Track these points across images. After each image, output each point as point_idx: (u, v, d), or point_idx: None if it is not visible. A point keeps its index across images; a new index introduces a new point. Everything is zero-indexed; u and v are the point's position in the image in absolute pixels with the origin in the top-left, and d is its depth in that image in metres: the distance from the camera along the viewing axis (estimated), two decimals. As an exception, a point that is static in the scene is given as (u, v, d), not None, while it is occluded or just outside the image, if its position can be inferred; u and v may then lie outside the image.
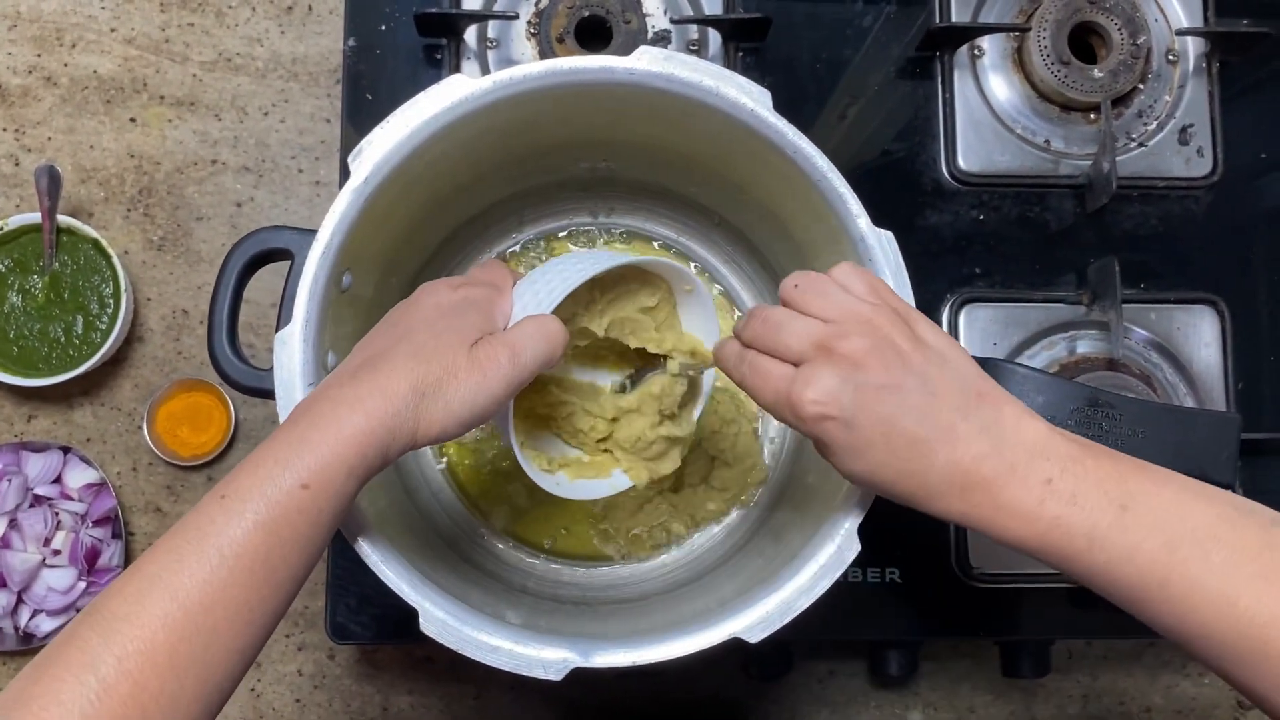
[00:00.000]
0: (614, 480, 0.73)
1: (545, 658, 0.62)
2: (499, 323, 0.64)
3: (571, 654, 0.62)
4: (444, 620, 0.62)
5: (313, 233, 0.65)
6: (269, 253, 0.67)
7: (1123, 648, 1.00)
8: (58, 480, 0.95)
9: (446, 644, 0.61)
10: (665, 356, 0.73)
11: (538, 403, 0.73)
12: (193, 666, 0.50)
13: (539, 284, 0.65)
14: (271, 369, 0.64)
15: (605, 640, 0.63)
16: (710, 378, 0.76)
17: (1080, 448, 0.56)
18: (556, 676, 0.61)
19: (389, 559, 0.63)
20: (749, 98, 0.67)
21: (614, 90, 0.68)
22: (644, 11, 0.91)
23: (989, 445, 0.55)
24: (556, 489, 0.71)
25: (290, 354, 0.63)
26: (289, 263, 0.67)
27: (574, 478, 0.73)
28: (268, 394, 0.64)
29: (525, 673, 0.61)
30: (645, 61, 0.66)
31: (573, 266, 0.66)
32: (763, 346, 0.60)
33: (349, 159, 0.65)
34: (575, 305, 0.70)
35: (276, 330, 0.64)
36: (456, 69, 0.90)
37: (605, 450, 0.74)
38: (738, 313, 0.90)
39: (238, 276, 0.66)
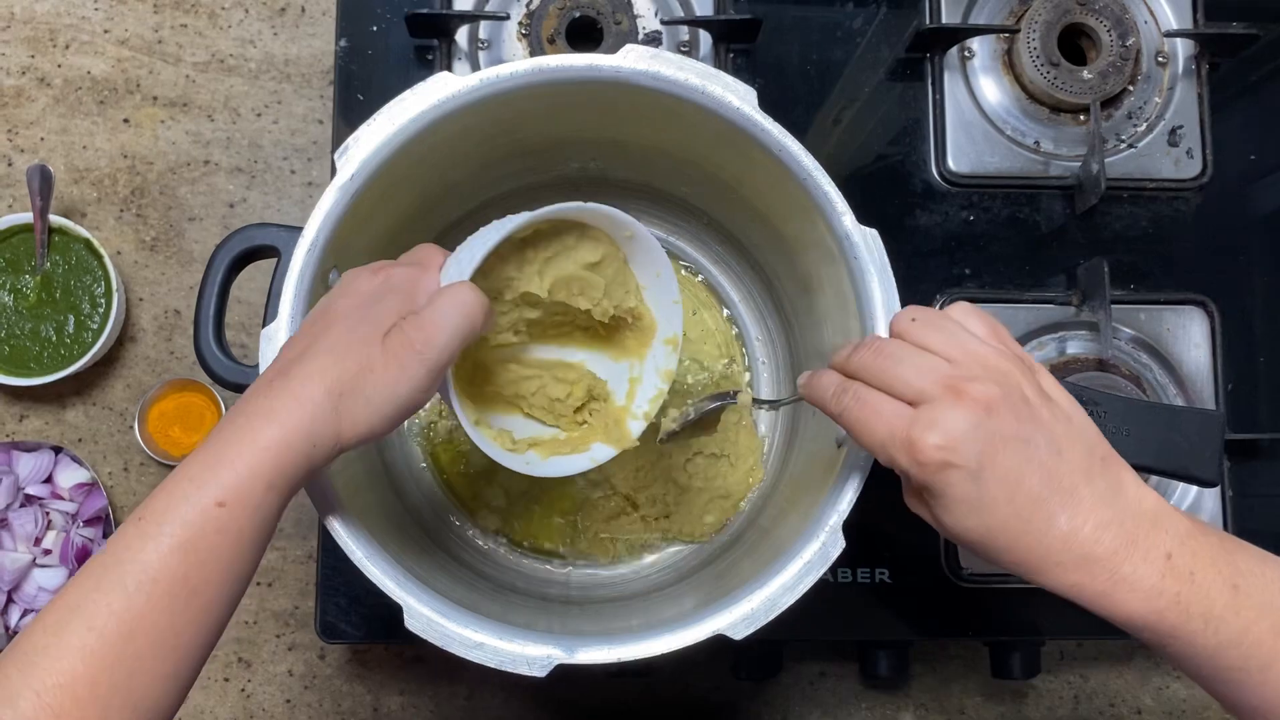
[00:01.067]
0: (594, 453, 0.70)
1: (530, 654, 0.61)
2: (420, 303, 0.59)
3: (556, 650, 0.62)
4: (429, 617, 0.62)
5: (299, 230, 0.65)
6: (256, 249, 0.67)
7: (1113, 649, 1.00)
8: (49, 480, 0.95)
9: (431, 640, 0.61)
10: (735, 391, 0.71)
11: (502, 383, 0.70)
12: (116, 696, 0.49)
13: (462, 255, 0.62)
14: (258, 365, 0.64)
15: (590, 637, 0.63)
16: (675, 321, 0.72)
17: (1192, 522, 0.55)
18: (541, 673, 0.61)
19: (374, 556, 0.63)
20: (735, 96, 0.67)
21: (601, 89, 0.68)
22: (635, 13, 0.91)
23: (1111, 514, 0.53)
24: (527, 468, 0.67)
25: (276, 349, 0.63)
26: (276, 260, 0.67)
27: (547, 455, 0.70)
28: (254, 390, 0.64)
29: (510, 669, 0.61)
30: (631, 60, 0.67)
31: (493, 228, 0.63)
32: (873, 379, 0.55)
33: (335, 156, 0.65)
34: (507, 269, 0.66)
35: (263, 327, 0.64)
36: (448, 70, 0.90)
37: (583, 423, 0.72)
38: (726, 310, 0.90)
39: (224, 273, 0.67)
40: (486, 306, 0.59)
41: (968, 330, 0.56)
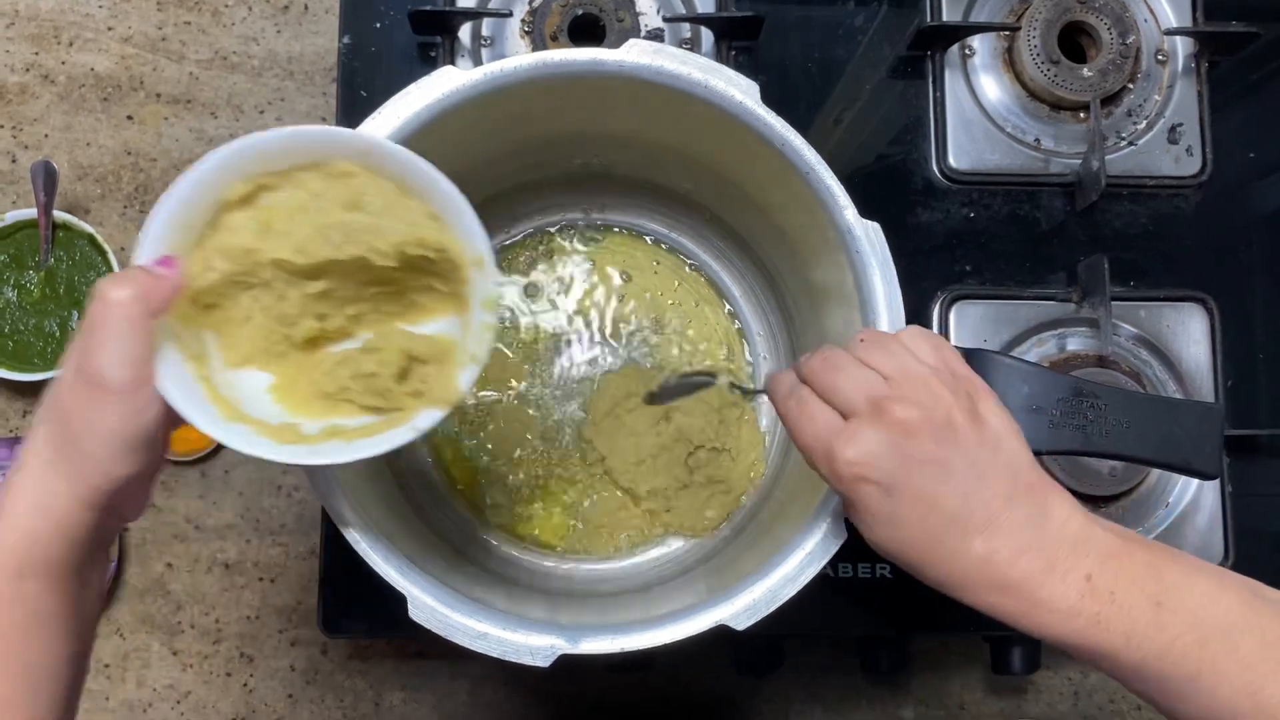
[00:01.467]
0: (416, 422, 0.59)
1: (533, 644, 0.62)
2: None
3: (559, 640, 0.62)
4: (432, 606, 0.62)
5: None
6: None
7: (1114, 645, 1.00)
8: (52, 475, 0.95)
9: (435, 630, 0.62)
10: (714, 374, 0.69)
11: (321, 382, 0.61)
12: None
13: (140, 239, 0.55)
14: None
15: (593, 628, 0.63)
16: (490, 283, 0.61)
17: (1119, 540, 0.55)
18: (544, 663, 0.62)
19: (378, 546, 0.63)
20: (738, 90, 0.67)
21: (604, 83, 0.69)
22: (637, 10, 0.92)
23: (1030, 538, 0.54)
24: (313, 456, 0.58)
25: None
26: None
27: (351, 439, 0.59)
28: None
29: (513, 659, 0.62)
30: (634, 54, 0.67)
31: (171, 190, 0.55)
32: (817, 386, 0.57)
33: (340, 149, 0.65)
34: (241, 239, 0.57)
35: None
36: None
37: (419, 393, 0.61)
38: (727, 306, 0.90)
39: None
40: (145, 278, 0.53)
41: (912, 352, 0.57)
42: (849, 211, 0.67)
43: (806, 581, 0.64)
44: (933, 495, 0.54)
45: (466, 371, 0.60)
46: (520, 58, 0.67)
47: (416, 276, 0.61)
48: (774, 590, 0.63)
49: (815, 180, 0.68)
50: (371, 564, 0.62)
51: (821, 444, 0.55)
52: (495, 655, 0.62)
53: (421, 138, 0.67)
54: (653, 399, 0.78)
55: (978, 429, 0.55)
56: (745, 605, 0.63)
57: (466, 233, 0.60)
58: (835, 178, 0.67)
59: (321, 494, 0.64)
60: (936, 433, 0.54)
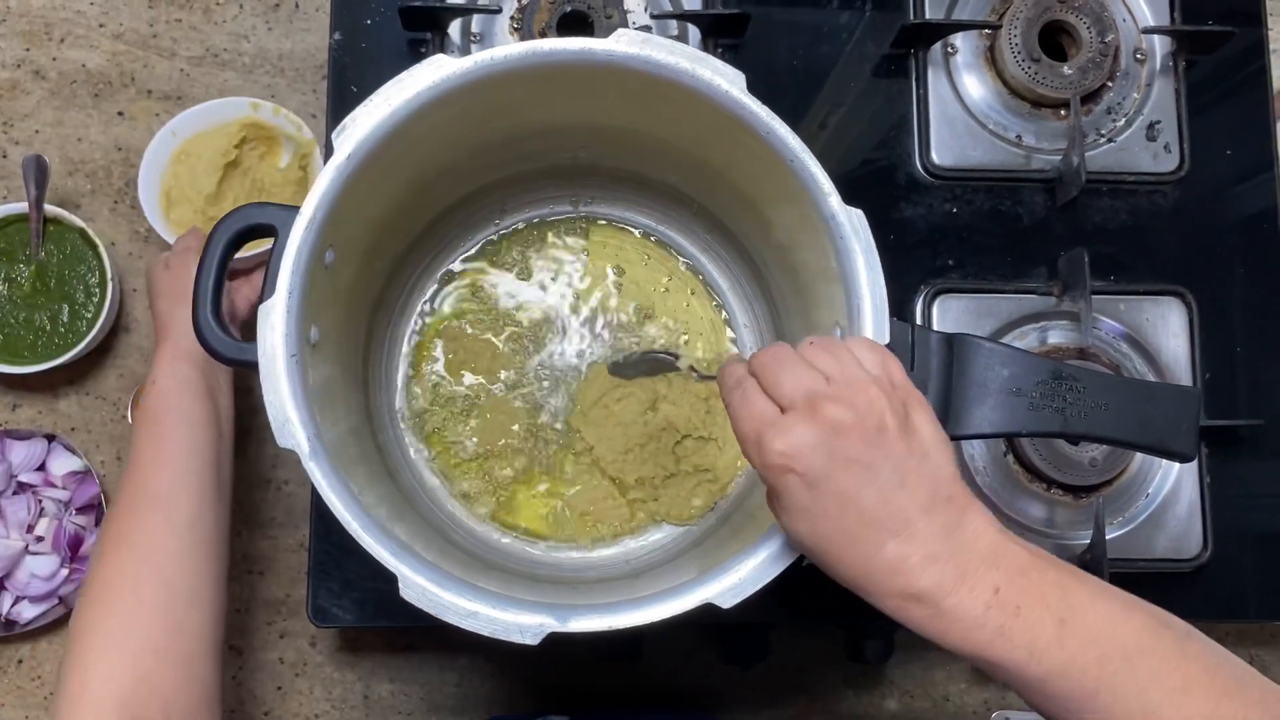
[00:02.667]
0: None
1: (523, 622, 0.62)
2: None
3: (549, 619, 0.63)
4: (423, 586, 0.62)
5: (296, 209, 0.66)
6: (254, 228, 0.68)
7: (1095, 637, 1.01)
8: (42, 468, 0.96)
9: (424, 609, 0.62)
10: (675, 355, 0.74)
11: None
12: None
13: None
14: (252, 342, 0.65)
15: (581, 608, 0.64)
16: None
17: (1030, 556, 0.57)
18: (534, 641, 0.62)
19: (370, 527, 0.63)
20: (724, 79, 0.68)
21: (593, 72, 0.69)
22: (625, 7, 0.93)
23: (943, 548, 0.55)
24: None
25: (273, 325, 0.64)
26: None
27: None
28: (250, 365, 0.65)
29: (503, 637, 0.62)
30: (623, 44, 0.68)
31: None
32: (761, 378, 0.59)
33: (333, 136, 0.66)
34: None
35: (259, 303, 0.65)
36: (440, 62, 0.91)
37: None
38: (715, 300, 0.91)
39: (223, 250, 0.67)
40: None
41: (857, 359, 0.59)
42: (833, 198, 0.68)
43: (791, 561, 0.64)
44: (854, 495, 0.55)
45: None
46: (511, 46, 0.67)
47: None
48: (760, 569, 0.64)
49: (800, 168, 0.68)
50: (363, 543, 0.63)
51: (755, 432, 0.57)
52: (485, 634, 0.62)
53: (413, 123, 0.68)
54: (616, 369, 0.83)
55: (907, 438, 0.57)
56: (731, 584, 0.64)
57: None
58: (820, 165, 0.68)
59: (314, 476, 0.64)
60: (866, 435, 0.55)
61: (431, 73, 0.67)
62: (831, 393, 0.56)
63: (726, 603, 0.64)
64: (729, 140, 0.72)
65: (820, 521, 0.56)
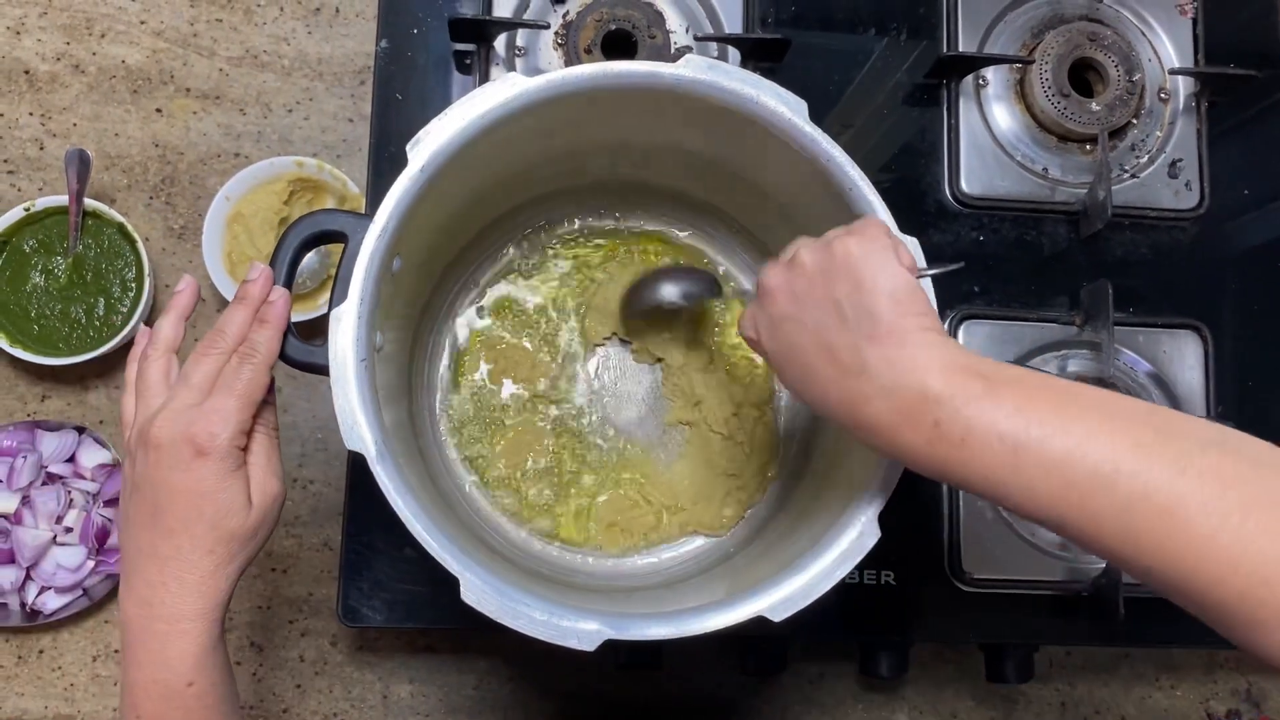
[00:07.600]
0: None
1: (581, 629, 0.64)
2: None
3: (604, 627, 0.64)
4: (484, 589, 0.64)
5: (366, 218, 0.68)
6: (324, 234, 0.69)
7: (1100, 659, 1.04)
8: (71, 459, 0.96)
9: (486, 612, 0.64)
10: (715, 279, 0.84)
11: None
12: None
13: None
14: (322, 345, 0.67)
15: (634, 616, 0.66)
16: None
17: (984, 384, 0.55)
18: (590, 647, 0.64)
19: (432, 530, 0.65)
20: (787, 107, 0.70)
21: (657, 95, 0.71)
22: (668, 28, 0.95)
23: (883, 384, 0.57)
24: None
25: (345, 330, 0.66)
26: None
27: None
28: (319, 369, 0.67)
29: (560, 642, 0.64)
30: (691, 68, 0.70)
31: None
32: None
33: (407, 148, 0.68)
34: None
35: (330, 309, 0.66)
36: (485, 76, 0.93)
37: None
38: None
39: (294, 253, 0.69)
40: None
41: (835, 243, 0.62)
42: (890, 226, 0.70)
43: (841, 578, 0.66)
44: (792, 345, 0.63)
45: None
46: (582, 68, 0.69)
47: None
48: (811, 584, 0.66)
49: (858, 196, 0.71)
50: (427, 547, 0.64)
51: (741, 328, 0.70)
52: (544, 639, 0.64)
53: (482, 138, 0.70)
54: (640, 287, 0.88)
55: (829, 283, 0.61)
56: (783, 598, 0.66)
57: None
58: (879, 195, 0.71)
59: (381, 480, 0.65)
60: (794, 293, 0.63)
61: (506, 89, 0.69)
62: (772, 271, 0.65)
63: (778, 616, 0.66)
64: (782, 163, 0.74)
65: (785, 372, 0.65)
